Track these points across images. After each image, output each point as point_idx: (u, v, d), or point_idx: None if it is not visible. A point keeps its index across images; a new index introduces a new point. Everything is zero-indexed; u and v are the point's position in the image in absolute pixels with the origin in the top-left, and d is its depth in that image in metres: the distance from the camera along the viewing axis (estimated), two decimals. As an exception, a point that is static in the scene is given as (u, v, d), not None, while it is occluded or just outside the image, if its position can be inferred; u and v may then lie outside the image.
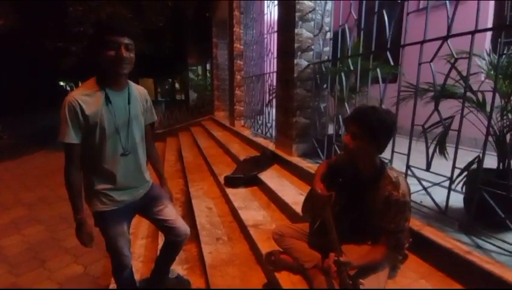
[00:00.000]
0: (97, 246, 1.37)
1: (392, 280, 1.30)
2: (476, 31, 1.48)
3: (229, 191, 2.86)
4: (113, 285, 1.89)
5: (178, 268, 1.98)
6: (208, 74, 11.39)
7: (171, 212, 1.61)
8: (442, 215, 1.63)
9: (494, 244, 1.37)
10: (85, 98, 1.25)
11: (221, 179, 3.10)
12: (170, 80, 17.68)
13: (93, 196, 1.36)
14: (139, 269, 2.12)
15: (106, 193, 1.36)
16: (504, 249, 1.33)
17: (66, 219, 3.51)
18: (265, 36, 4.61)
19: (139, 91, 1.48)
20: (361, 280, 1.00)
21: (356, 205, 1.30)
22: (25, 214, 3.77)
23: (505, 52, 1.60)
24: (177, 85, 16.50)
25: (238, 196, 2.74)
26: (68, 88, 23.92)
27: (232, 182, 2.98)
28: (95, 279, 2.36)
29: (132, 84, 1.45)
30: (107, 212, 1.37)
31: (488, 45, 3.20)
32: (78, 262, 2.61)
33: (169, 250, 1.70)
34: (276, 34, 3.66)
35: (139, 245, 2.49)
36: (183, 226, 1.63)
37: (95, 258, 2.60)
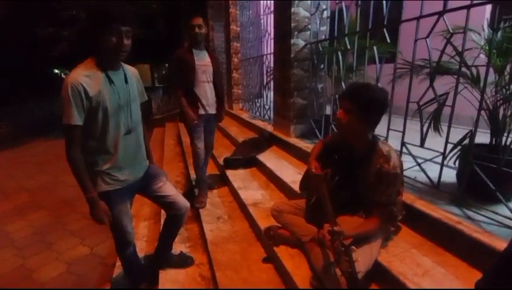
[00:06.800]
0: (102, 228, 1.41)
1: (384, 249, 1.36)
2: (472, 5, 1.47)
3: (229, 172, 2.91)
4: (119, 264, 1.97)
5: (181, 246, 2.05)
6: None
7: (170, 188, 1.66)
8: (435, 190, 1.68)
9: (483, 215, 1.42)
10: (86, 79, 1.24)
11: (221, 161, 3.14)
12: (166, 64, 17.33)
13: (97, 176, 1.37)
14: (143, 248, 2.20)
15: (110, 173, 1.39)
16: (493, 219, 1.39)
17: (69, 203, 3.58)
18: (261, 17, 4.53)
19: (131, 71, 1.49)
20: (353, 247, 1.05)
21: (351, 179, 1.35)
22: (28, 200, 3.83)
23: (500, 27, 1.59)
24: (173, 70, 16.18)
25: (238, 176, 2.79)
26: (63, 76, 23.54)
27: (232, 163, 3.02)
28: (102, 258, 2.44)
29: (122, 63, 1.44)
30: (111, 192, 1.40)
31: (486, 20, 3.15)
32: (85, 244, 2.69)
33: (171, 225, 1.76)
34: (272, 14, 3.59)
35: (142, 226, 2.56)
36: (183, 200, 1.68)
37: (101, 240, 2.67)
